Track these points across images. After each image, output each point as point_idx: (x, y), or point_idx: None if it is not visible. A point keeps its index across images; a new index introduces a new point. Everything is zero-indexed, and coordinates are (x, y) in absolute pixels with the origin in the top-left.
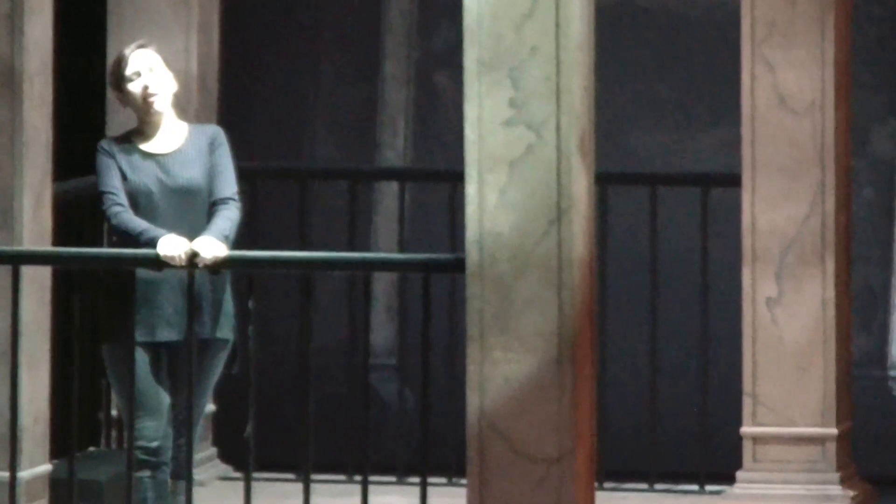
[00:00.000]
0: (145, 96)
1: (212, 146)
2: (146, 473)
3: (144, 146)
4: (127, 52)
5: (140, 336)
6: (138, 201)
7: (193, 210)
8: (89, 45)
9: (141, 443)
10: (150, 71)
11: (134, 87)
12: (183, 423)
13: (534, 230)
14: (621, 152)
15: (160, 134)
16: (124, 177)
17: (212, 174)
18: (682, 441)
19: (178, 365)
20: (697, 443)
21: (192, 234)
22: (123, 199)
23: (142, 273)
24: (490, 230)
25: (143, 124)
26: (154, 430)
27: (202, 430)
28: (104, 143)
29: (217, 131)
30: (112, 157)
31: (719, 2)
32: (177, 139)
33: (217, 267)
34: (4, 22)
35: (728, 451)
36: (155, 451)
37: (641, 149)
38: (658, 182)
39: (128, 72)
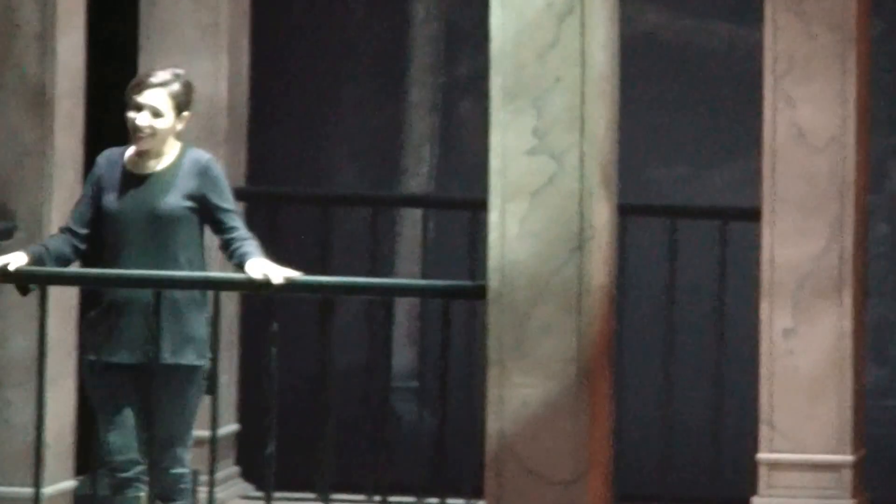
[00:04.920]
0: (136, 132)
1: (203, 178)
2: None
3: (130, 164)
4: (144, 84)
5: (105, 355)
6: (111, 221)
7: (165, 236)
8: (120, 67)
9: (108, 457)
10: (152, 114)
11: (131, 117)
12: (163, 447)
13: (554, 259)
14: (641, 184)
15: (149, 154)
16: (101, 194)
17: (212, 210)
18: (697, 466)
19: (140, 389)
20: (712, 468)
21: (158, 262)
22: (74, 224)
23: (111, 293)
24: (511, 258)
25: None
26: (120, 444)
27: (225, 450)
28: (100, 158)
29: (208, 162)
30: (95, 174)
31: (741, 37)
32: (164, 161)
33: (280, 289)
34: (36, 43)
35: (743, 477)
36: (122, 466)
37: (661, 181)
38: (677, 214)
39: (135, 102)
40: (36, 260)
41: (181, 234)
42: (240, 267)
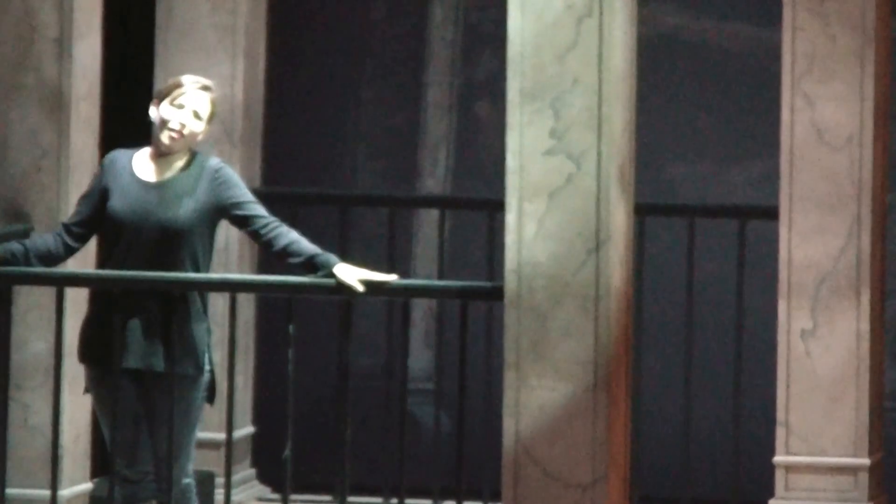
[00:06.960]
0: (169, 129)
1: (216, 184)
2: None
3: (139, 170)
4: (190, 84)
5: (109, 363)
6: (118, 227)
7: (176, 246)
8: (136, 70)
9: (119, 468)
10: (193, 115)
11: (167, 114)
12: (170, 457)
13: (572, 259)
14: (660, 183)
15: (161, 160)
16: (106, 198)
17: (234, 208)
18: (714, 469)
19: (142, 395)
20: (730, 470)
21: (167, 271)
22: (71, 222)
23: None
24: (528, 259)
25: (153, 145)
26: (131, 455)
27: (241, 452)
28: (107, 159)
29: (219, 166)
30: (101, 176)
31: (759, 36)
32: (175, 168)
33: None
34: (53, 45)
35: (760, 480)
36: (134, 477)
37: (679, 180)
38: (696, 214)
39: (177, 99)
40: (7, 259)
41: (192, 245)
42: (288, 258)
